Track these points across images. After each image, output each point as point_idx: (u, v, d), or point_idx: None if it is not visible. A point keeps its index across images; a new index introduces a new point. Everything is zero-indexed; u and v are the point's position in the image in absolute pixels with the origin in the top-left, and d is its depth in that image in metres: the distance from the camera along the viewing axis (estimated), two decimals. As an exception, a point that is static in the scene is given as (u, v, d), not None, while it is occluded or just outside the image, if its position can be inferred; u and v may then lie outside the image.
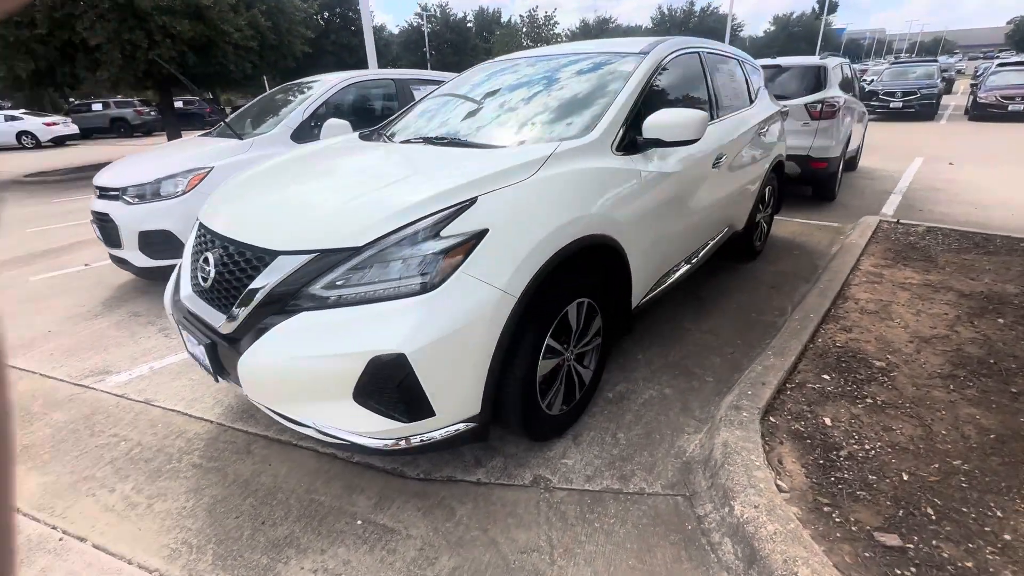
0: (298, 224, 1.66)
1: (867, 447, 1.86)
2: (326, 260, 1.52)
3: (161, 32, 9.83)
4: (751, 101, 3.59)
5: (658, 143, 2.17)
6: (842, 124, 5.47)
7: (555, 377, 1.98)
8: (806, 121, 5.31)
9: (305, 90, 4.41)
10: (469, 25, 44.87)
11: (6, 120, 19.14)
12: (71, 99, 24.46)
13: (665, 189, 2.36)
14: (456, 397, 1.60)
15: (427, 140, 2.37)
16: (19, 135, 18.88)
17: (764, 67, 5.66)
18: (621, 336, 2.62)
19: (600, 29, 48.37)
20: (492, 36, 40.89)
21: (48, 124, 19.19)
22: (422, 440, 1.62)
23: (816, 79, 5.42)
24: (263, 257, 1.61)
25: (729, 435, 1.88)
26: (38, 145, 18.96)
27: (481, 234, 1.56)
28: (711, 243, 3.12)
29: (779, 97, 5.31)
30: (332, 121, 3.37)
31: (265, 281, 1.57)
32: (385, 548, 1.63)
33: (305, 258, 1.54)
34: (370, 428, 1.56)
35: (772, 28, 52.25)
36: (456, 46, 42.78)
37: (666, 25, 41.05)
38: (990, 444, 1.85)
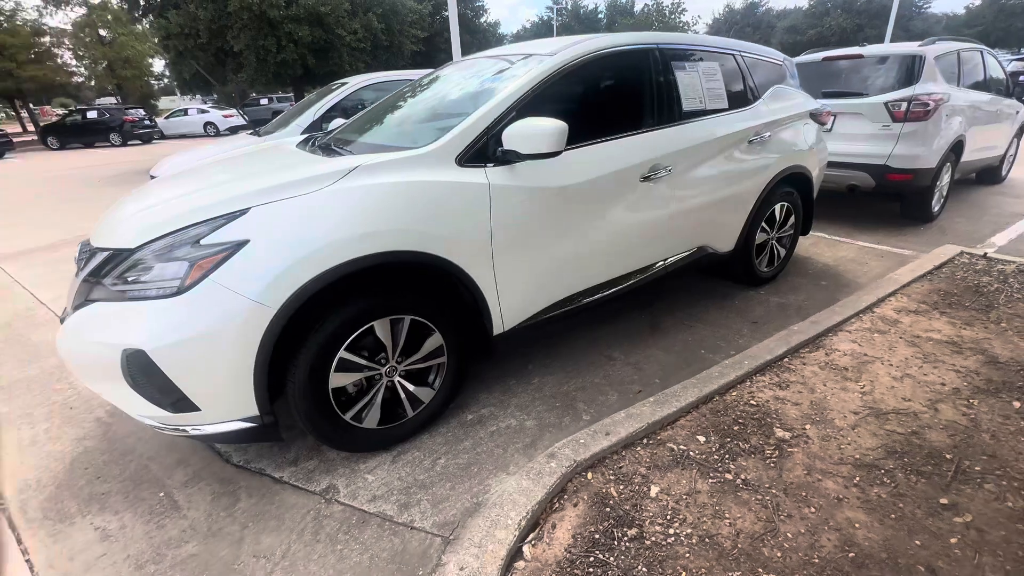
0: (117, 225, 1.87)
1: (671, 532, 1.54)
2: (115, 258, 1.70)
3: (287, 38, 11.28)
4: (749, 101, 3.06)
5: (526, 155, 1.98)
6: (943, 127, 4.37)
7: (367, 391, 1.95)
8: (886, 123, 4.35)
9: (332, 91, 4.78)
10: (600, 16, 43.94)
11: (198, 112, 23.83)
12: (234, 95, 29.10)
13: (545, 206, 2.16)
14: (222, 397, 1.68)
15: (321, 147, 2.45)
16: (205, 125, 23.25)
17: (841, 57, 4.76)
18: (482, 358, 2.47)
19: (748, 15, 43.90)
20: (614, 28, 39.49)
21: (226, 116, 23.30)
22: (197, 431, 1.74)
23: (907, 71, 4.38)
24: (92, 253, 1.85)
25: (516, 483, 1.70)
26: (217, 133, 23.18)
27: (240, 244, 1.61)
28: (660, 265, 2.76)
29: (851, 94, 4.45)
30: (336, 121, 3.63)
31: (82, 273, 1.80)
32: (159, 523, 1.78)
33: (104, 255, 1.74)
34: (150, 413, 1.72)
35: (977, 3, 42.57)
36: (584, 39, 42.28)
37: (826, 5, 35.80)
38: (839, 564, 1.42)
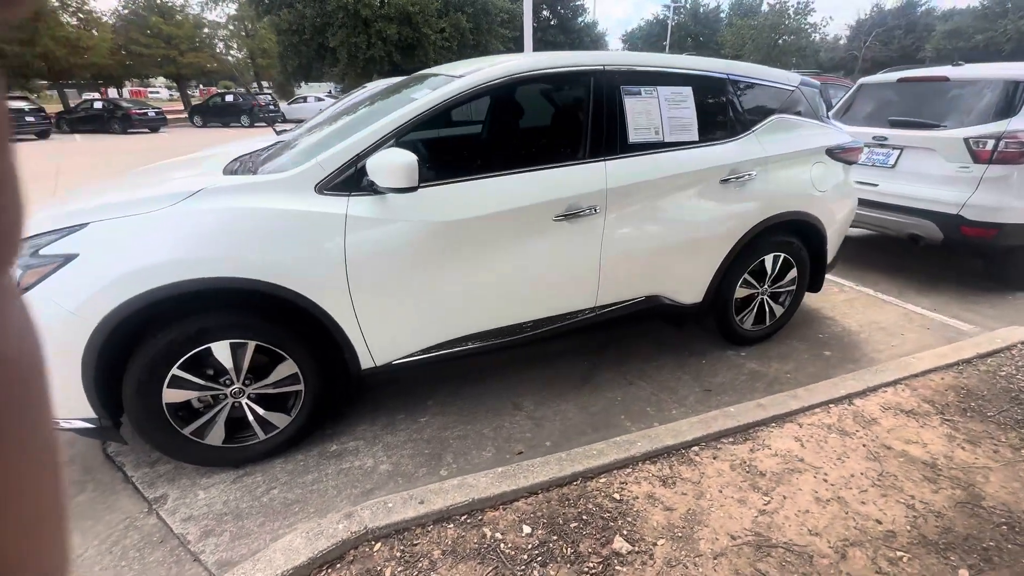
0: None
1: (411, 639, 1.35)
2: None
3: (377, 36, 11.91)
4: (732, 134, 2.60)
5: (386, 188, 1.86)
6: (1049, 174, 3.42)
7: (208, 410, 1.96)
8: (965, 164, 3.51)
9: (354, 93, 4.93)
10: (722, 16, 41.03)
11: (315, 100, 26.31)
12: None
13: (424, 241, 2.00)
14: (61, 398, 1.77)
15: (242, 161, 2.49)
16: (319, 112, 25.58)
17: (922, 79, 3.93)
18: (343, 395, 2.36)
19: (901, 16, 38.28)
20: (726, 30, 36.42)
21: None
22: (58, 423, 1.86)
23: (1005, 101, 3.48)
24: None
25: (289, 540, 1.59)
26: None
27: (69, 258, 1.67)
28: (589, 313, 2.46)
29: (923, 124, 3.67)
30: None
31: None
32: None
33: None
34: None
35: None
36: (701, 40, 39.77)
37: (1005, 5, 29.94)
38: None
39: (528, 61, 2.23)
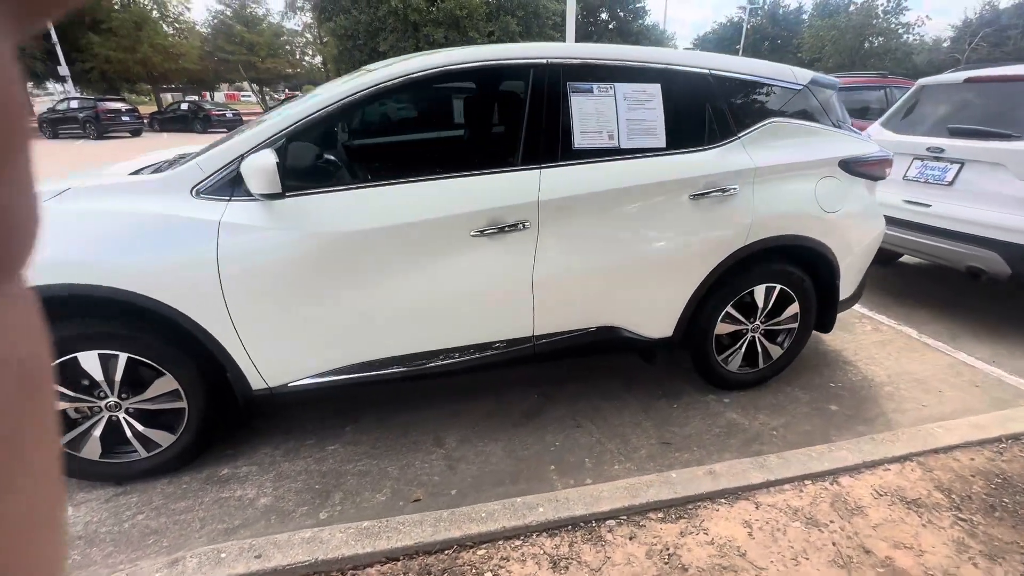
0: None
1: None
2: None
3: (424, 40, 12.04)
4: (712, 140, 2.17)
5: (257, 194, 1.66)
6: None
7: (81, 421, 1.84)
8: (1045, 183, 2.82)
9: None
10: (804, 16, 38.28)
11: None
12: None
13: (315, 254, 1.78)
14: None
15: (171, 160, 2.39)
16: None
17: (994, 79, 3.24)
18: (237, 416, 2.18)
19: (1020, 14, 33.82)
20: (804, 32, 33.69)
21: None
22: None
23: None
24: None
25: (100, 586, 1.41)
26: None
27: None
28: (530, 345, 2.13)
29: (990, 134, 3.02)
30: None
31: None
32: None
33: None
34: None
35: None
36: (779, 43, 37.34)
37: None
38: None
39: (457, 54, 1.95)
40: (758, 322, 2.45)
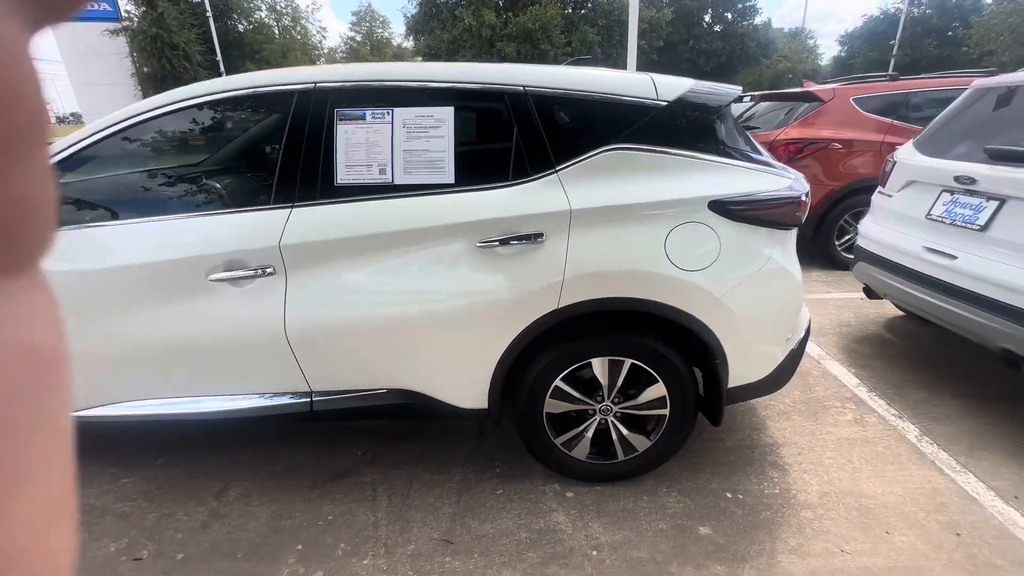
0: None
1: None
2: None
3: (497, 56, 12.18)
4: (520, 175, 1.73)
5: None
6: None
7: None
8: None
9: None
10: (987, 2, 31.56)
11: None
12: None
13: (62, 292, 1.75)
14: None
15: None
16: None
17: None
18: None
19: None
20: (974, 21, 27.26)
21: None
22: None
23: None
24: None
25: None
26: None
27: None
28: (311, 402, 1.90)
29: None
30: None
31: None
32: None
33: None
34: None
35: None
36: (949, 35, 31.28)
37: None
38: None
39: (213, 84, 1.79)
40: (608, 403, 1.92)
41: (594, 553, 1.75)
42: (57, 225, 0.20)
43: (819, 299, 3.98)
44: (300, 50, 27.77)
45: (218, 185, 1.83)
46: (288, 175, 1.74)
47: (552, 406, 1.92)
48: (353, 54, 29.13)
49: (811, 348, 3.14)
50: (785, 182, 1.78)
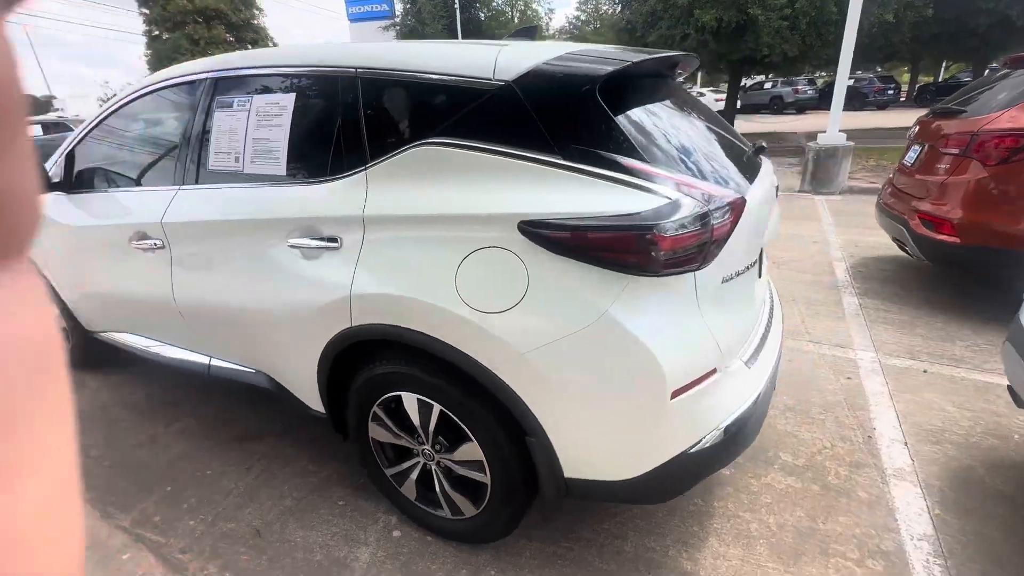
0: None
1: None
2: None
3: (694, 26, 10.88)
4: (338, 171, 1.51)
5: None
6: None
7: None
8: None
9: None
10: None
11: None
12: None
13: (63, 238, 2.30)
14: None
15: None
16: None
17: None
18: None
19: None
20: None
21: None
22: None
23: None
24: None
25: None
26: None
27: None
28: (211, 364, 2.12)
29: None
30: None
31: None
32: None
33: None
34: None
35: None
36: None
37: None
38: None
39: (176, 69, 2.03)
40: (427, 448, 1.61)
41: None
42: (40, 218, 0.20)
43: (950, 376, 2.55)
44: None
45: (145, 164, 2.12)
46: (182, 159, 1.90)
47: (376, 432, 1.71)
48: (577, 34, 29.57)
49: (890, 451, 2.05)
50: (647, 203, 1.15)
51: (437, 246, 1.34)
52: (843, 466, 1.99)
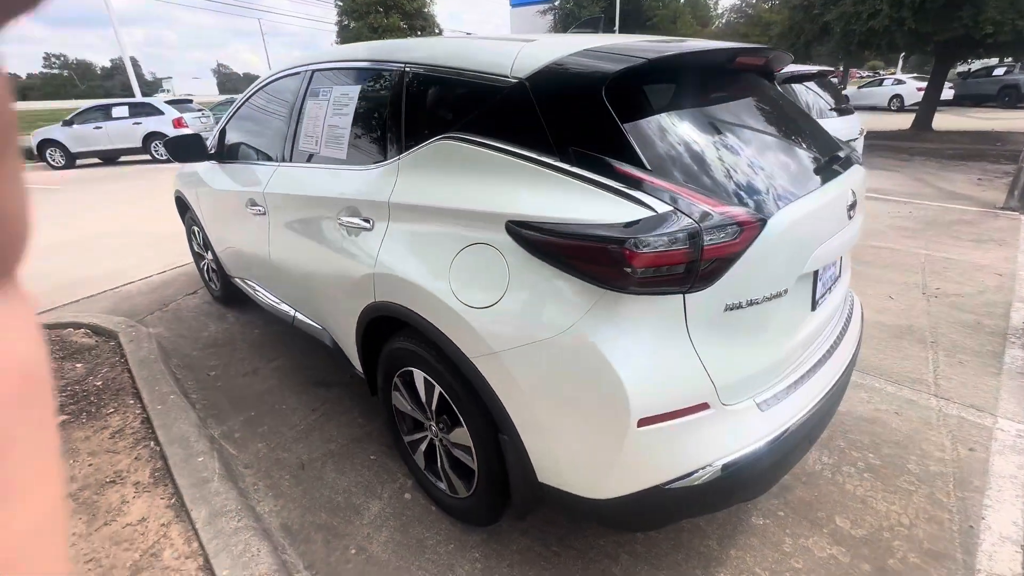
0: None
1: None
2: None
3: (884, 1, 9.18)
4: (382, 158, 1.63)
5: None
6: None
7: None
8: None
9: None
10: None
11: (893, 83, 21.21)
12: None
13: (215, 199, 2.86)
14: None
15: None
16: (891, 98, 20.69)
17: None
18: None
19: None
20: None
21: (919, 89, 19.46)
22: None
23: None
24: None
25: None
26: (901, 107, 20.18)
27: None
28: (294, 315, 2.51)
29: None
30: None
31: None
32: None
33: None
34: None
35: None
36: None
37: None
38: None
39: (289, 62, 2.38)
40: (433, 424, 1.72)
41: (352, 552, 1.72)
42: (31, 235, 0.19)
43: None
44: (690, 14, 27.43)
45: (263, 142, 2.49)
46: (283, 139, 2.23)
47: (397, 400, 1.86)
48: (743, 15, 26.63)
49: (994, 552, 1.61)
50: (627, 214, 1.06)
51: (440, 237, 1.40)
52: (917, 553, 1.62)
